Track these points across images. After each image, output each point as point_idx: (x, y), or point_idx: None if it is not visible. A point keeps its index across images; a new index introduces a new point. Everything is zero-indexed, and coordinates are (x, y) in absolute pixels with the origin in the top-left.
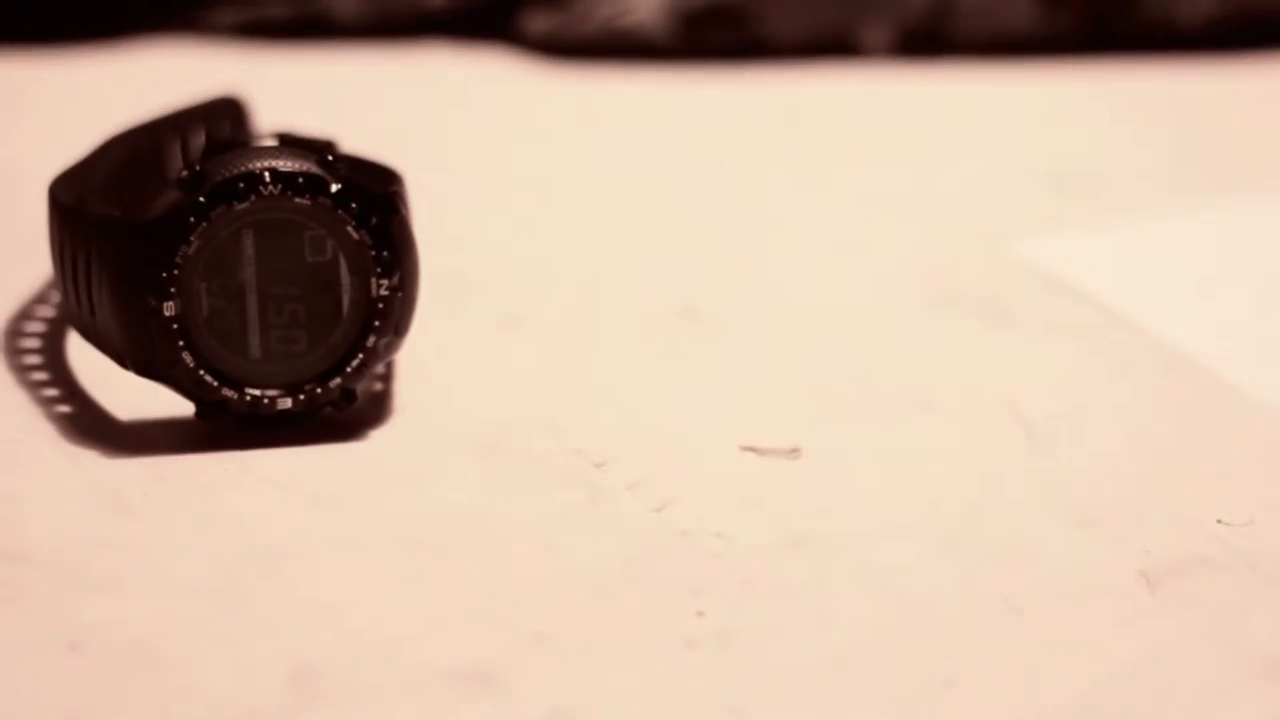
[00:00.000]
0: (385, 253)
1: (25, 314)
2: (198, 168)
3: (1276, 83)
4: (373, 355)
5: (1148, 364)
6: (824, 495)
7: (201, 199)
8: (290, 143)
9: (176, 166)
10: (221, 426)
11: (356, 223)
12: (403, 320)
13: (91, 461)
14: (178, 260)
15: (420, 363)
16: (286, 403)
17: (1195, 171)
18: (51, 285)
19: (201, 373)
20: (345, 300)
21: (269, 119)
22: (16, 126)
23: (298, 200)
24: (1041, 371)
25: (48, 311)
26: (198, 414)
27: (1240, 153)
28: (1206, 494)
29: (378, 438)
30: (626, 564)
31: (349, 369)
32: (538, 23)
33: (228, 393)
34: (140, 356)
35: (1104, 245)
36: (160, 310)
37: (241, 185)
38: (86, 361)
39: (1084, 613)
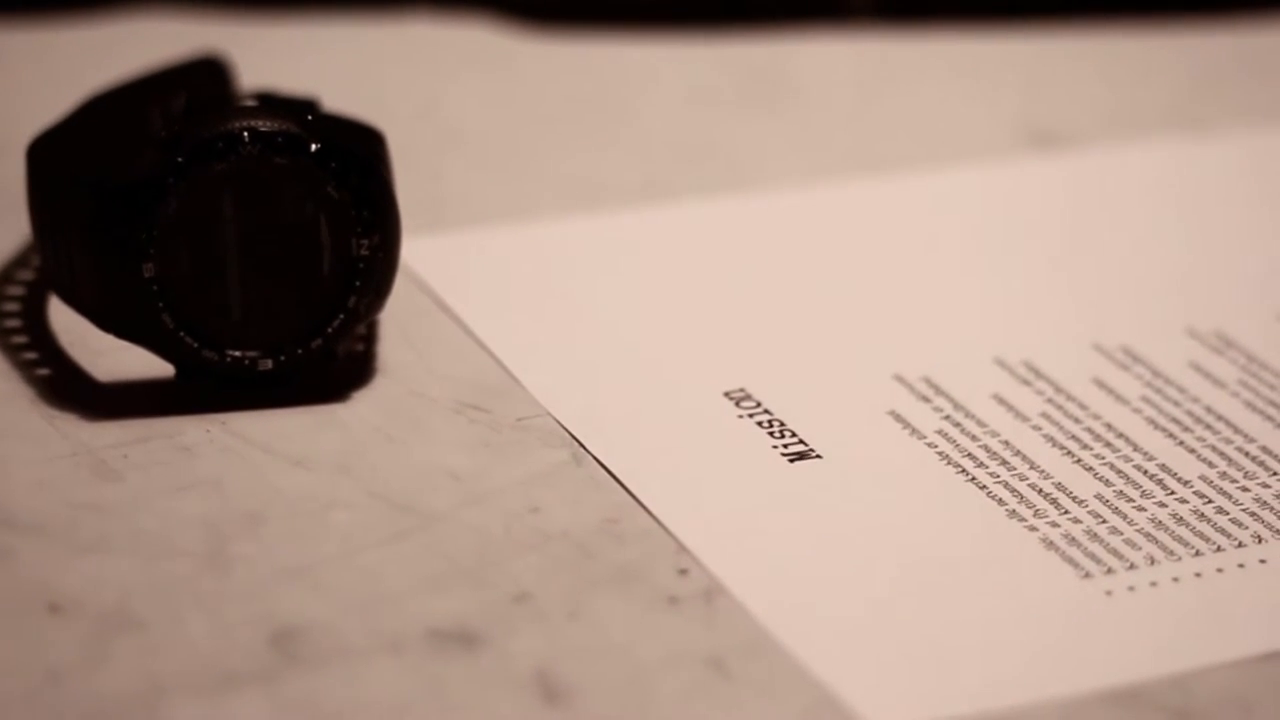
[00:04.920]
0: (366, 212)
1: (4, 276)
2: (177, 128)
3: (1265, 40)
4: (354, 315)
5: None
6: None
7: (180, 159)
8: (271, 103)
9: (156, 127)
10: (202, 388)
11: (337, 182)
12: (384, 281)
13: (72, 424)
14: (157, 221)
15: (402, 323)
16: (267, 363)
17: (1178, 128)
18: (30, 247)
19: (181, 334)
20: (326, 260)
21: (252, 82)
22: None
23: (277, 160)
24: None
25: (26, 274)
26: (178, 375)
27: (1226, 107)
28: None
29: (360, 398)
30: (609, 523)
31: (330, 329)
32: None
33: (208, 354)
34: (119, 318)
35: None
36: (139, 271)
37: (220, 145)
38: (66, 324)
39: None
